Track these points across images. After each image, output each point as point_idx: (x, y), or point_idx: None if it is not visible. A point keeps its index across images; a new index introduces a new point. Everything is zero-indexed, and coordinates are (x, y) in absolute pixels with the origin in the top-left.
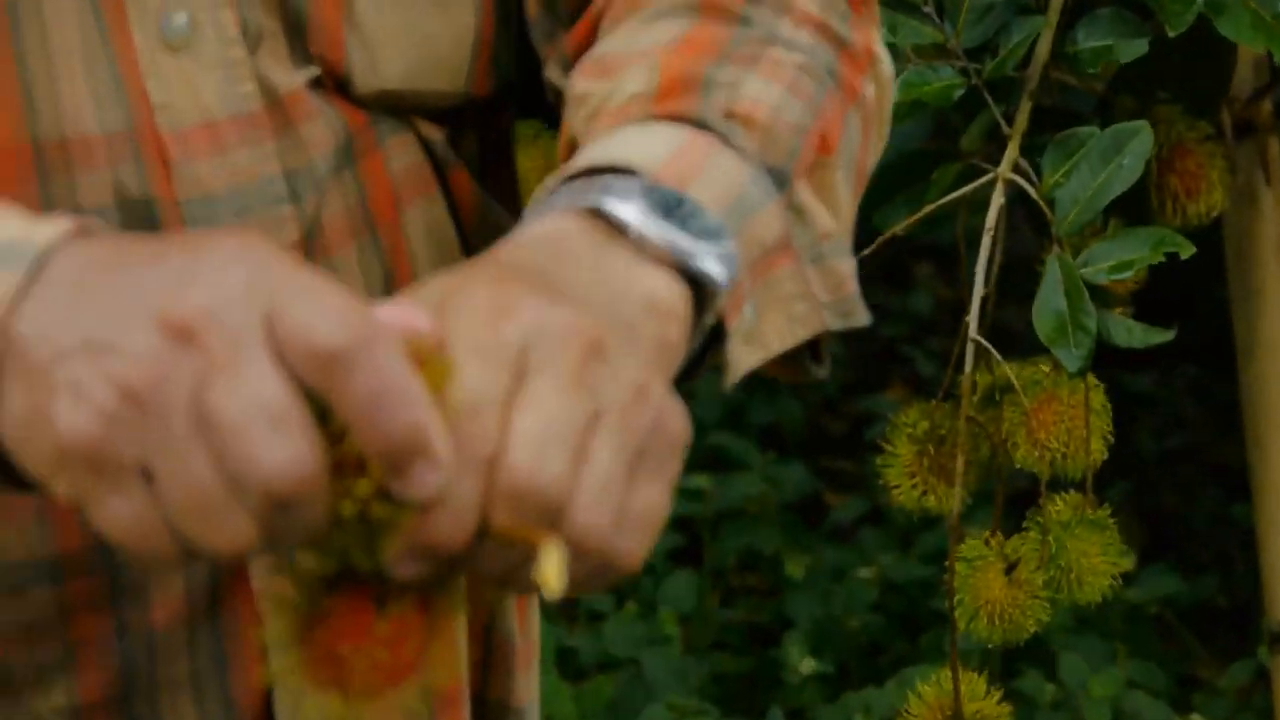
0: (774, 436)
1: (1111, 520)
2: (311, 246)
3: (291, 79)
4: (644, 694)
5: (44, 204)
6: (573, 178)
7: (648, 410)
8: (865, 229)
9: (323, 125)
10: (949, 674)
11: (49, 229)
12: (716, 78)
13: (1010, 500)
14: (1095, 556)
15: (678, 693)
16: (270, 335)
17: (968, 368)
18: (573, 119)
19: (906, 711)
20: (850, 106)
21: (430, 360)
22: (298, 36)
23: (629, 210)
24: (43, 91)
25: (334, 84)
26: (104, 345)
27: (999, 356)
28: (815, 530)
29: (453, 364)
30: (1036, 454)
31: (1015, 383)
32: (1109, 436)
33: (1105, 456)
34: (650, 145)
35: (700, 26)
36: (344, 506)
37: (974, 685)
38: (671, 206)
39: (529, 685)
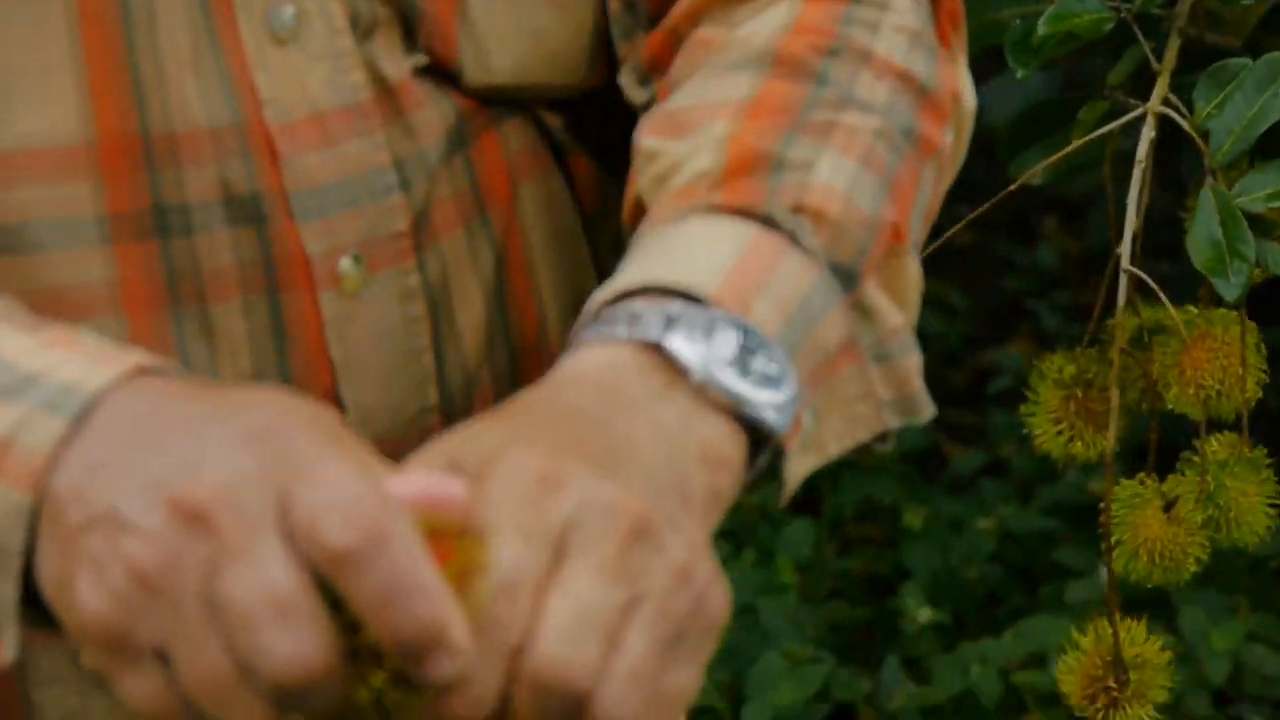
0: None
1: (1269, 460)
2: (420, 233)
3: (400, 68)
4: (761, 641)
5: (152, 197)
6: (632, 293)
7: (688, 594)
8: (995, 179)
9: (433, 112)
10: (1103, 621)
11: (105, 373)
12: (787, 156)
13: (1159, 448)
14: (1253, 496)
15: (794, 641)
16: (283, 520)
17: (1121, 302)
18: (641, 177)
19: (1063, 657)
20: (926, 162)
21: (456, 534)
22: (408, 27)
23: (692, 353)
24: (152, 85)
25: (444, 75)
26: (122, 522)
27: (1155, 288)
28: (934, 482)
29: (484, 538)
30: (1190, 393)
31: (1172, 318)
32: (1263, 375)
33: (1260, 395)
34: (713, 255)
35: (773, 82)
36: (359, 694)
37: (1134, 631)
38: (738, 341)
39: None
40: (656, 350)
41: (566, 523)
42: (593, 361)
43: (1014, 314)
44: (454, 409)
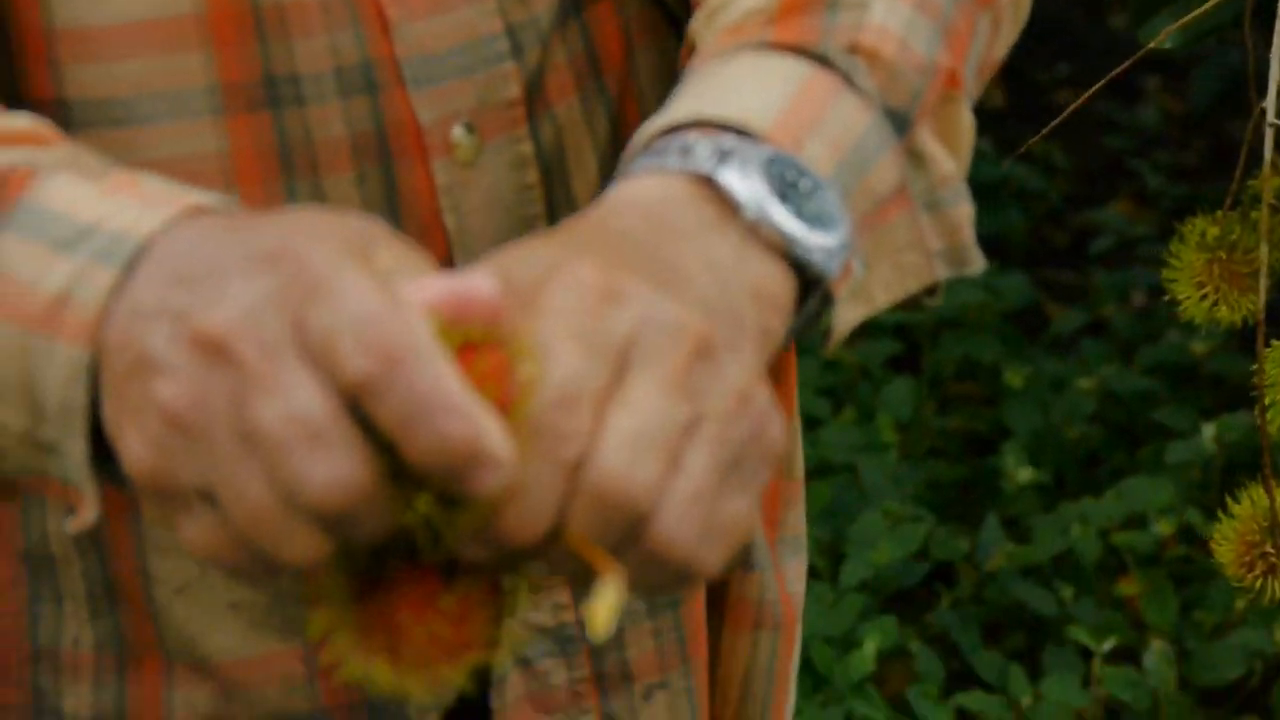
0: (996, 246)
1: None
2: (533, 101)
3: None
4: (860, 500)
5: (263, 68)
6: (683, 127)
7: (748, 419)
8: (1096, 34)
9: None
10: (1257, 487)
11: (158, 216)
12: None
13: None
14: None
15: (893, 499)
16: (302, 345)
17: (1267, 153)
18: (694, 16)
19: (1217, 525)
20: (981, 12)
21: (493, 342)
22: None
23: (746, 189)
24: None
25: None
26: (152, 364)
27: None
28: (1035, 340)
29: (530, 347)
30: None
31: None
32: None
33: None
34: (767, 91)
35: None
36: (407, 517)
37: None
38: (790, 180)
39: (772, 525)
40: (708, 184)
41: (628, 336)
42: (642, 191)
43: (1115, 173)
44: None
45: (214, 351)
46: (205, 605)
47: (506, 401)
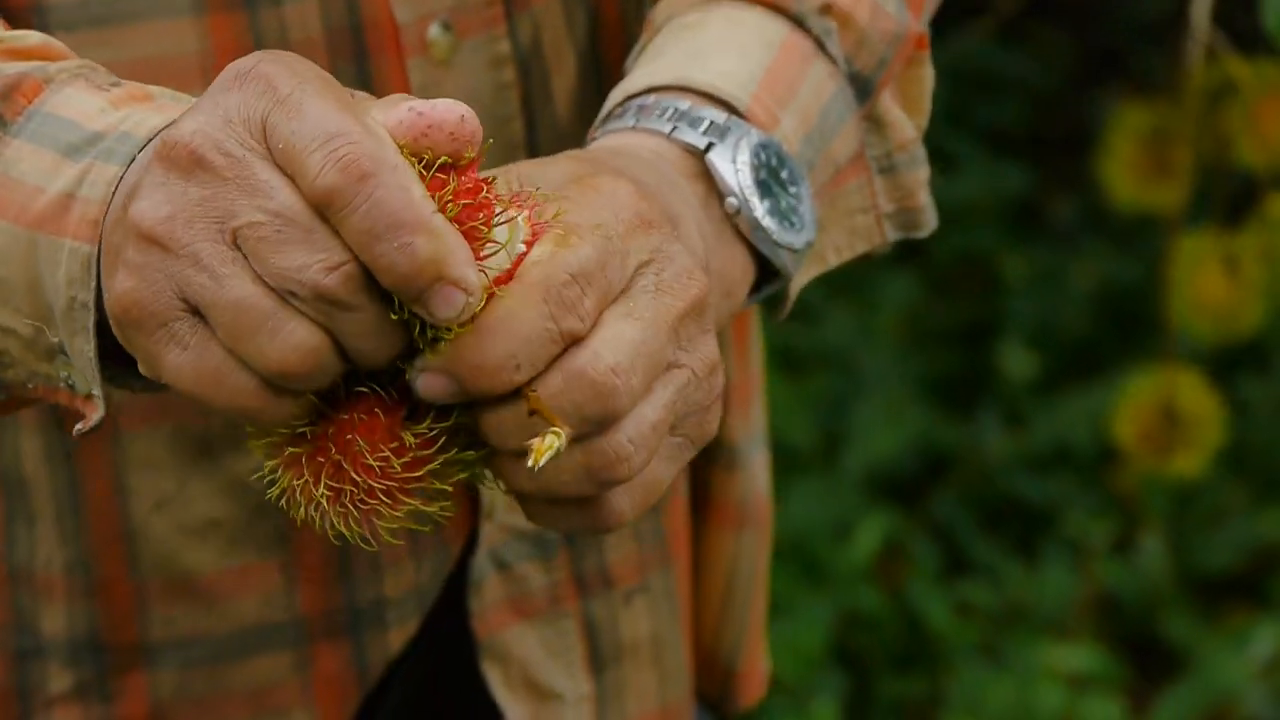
0: (994, 137)
1: None
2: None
3: None
4: (858, 390)
5: None
6: (669, 89)
7: (709, 389)
8: None
9: None
10: (1167, 372)
11: (165, 118)
12: None
13: (1230, 203)
14: None
15: (892, 390)
16: (271, 154)
17: (1194, 60)
18: None
19: (1121, 409)
20: None
21: (459, 167)
22: None
23: (732, 177)
24: None
25: None
26: (129, 191)
27: (1228, 46)
28: (1033, 231)
29: (561, 221)
30: (1259, 148)
31: (1245, 72)
32: None
33: None
34: (746, 56)
35: None
36: (392, 319)
37: (1191, 384)
38: (774, 168)
39: (748, 423)
40: (699, 159)
41: (650, 258)
42: (638, 144)
43: (1112, 60)
44: None
45: (186, 164)
46: (183, 521)
47: (469, 230)
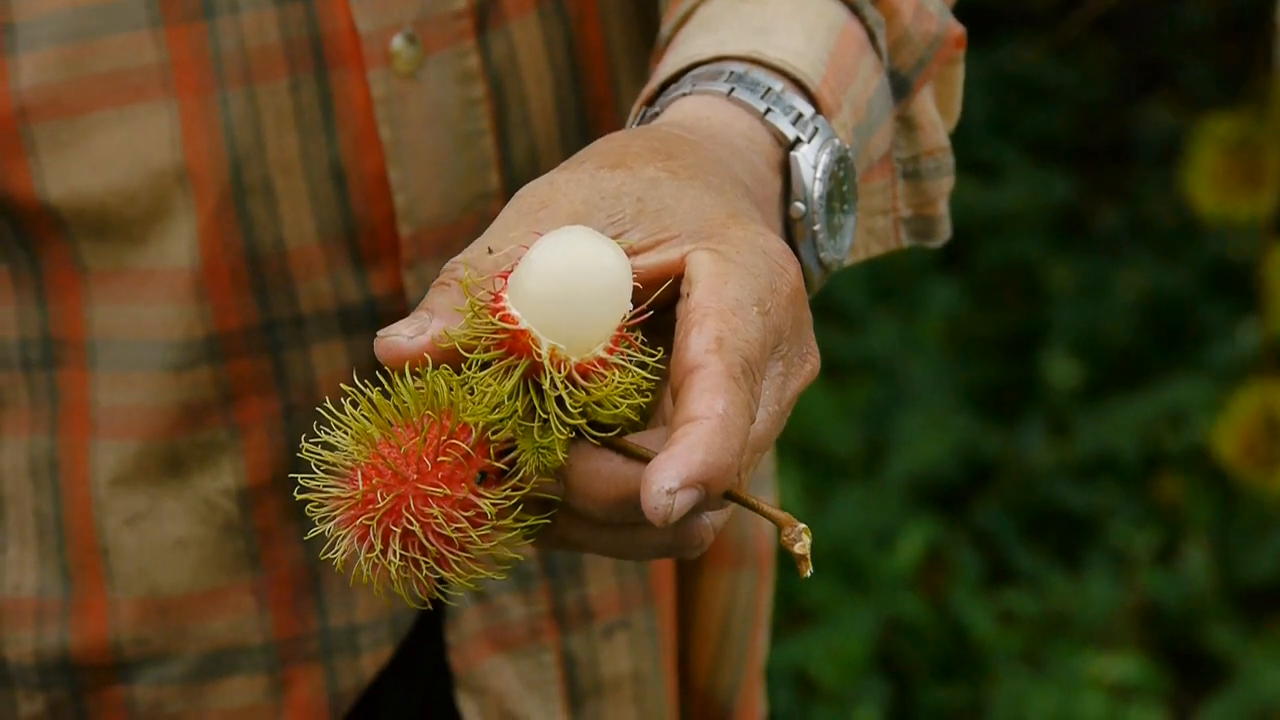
0: (1039, 145)
1: None
2: (486, 14)
3: None
4: (901, 398)
5: None
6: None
7: (776, 431)
8: None
9: None
10: (1270, 386)
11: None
12: None
13: None
14: None
15: (935, 398)
16: None
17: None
18: None
19: (1221, 416)
20: None
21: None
22: None
23: (810, 183)
24: None
25: None
26: None
27: None
28: (1077, 239)
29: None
30: None
31: None
32: None
33: None
34: (812, 37)
35: None
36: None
37: None
38: (841, 179)
39: (769, 454)
40: (783, 150)
41: (778, 329)
42: (731, 125)
43: (1159, 70)
44: None
45: None
46: (154, 539)
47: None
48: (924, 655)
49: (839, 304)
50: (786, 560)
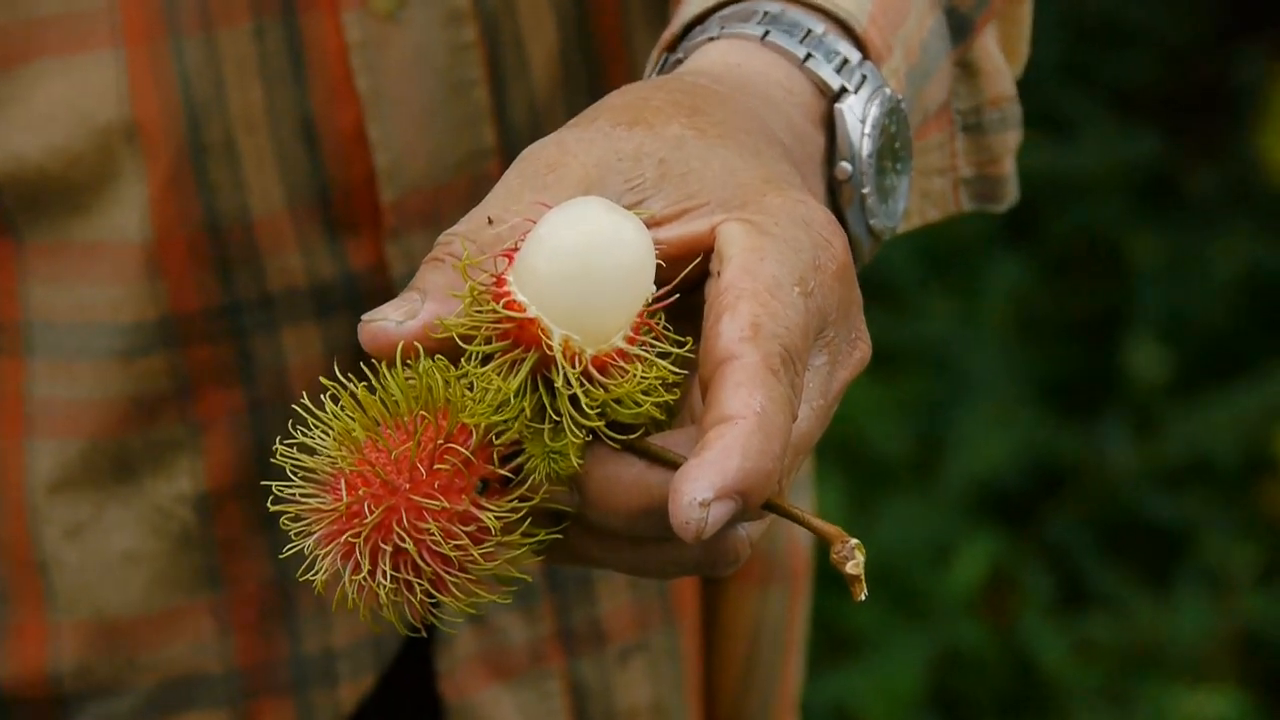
0: (1120, 95)
1: None
2: None
3: None
4: (961, 392)
5: None
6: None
7: (820, 429)
8: None
9: None
10: None
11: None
12: None
13: None
14: None
15: (999, 391)
16: None
17: None
18: None
19: None
20: None
21: None
22: None
23: (858, 140)
24: None
25: None
26: None
27: None
28: (1166, 208)
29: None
30: None
31: None
32: None
33: None
34: None
35: None
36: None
37: None
38: (893, 135)
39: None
40: (826, 102)
41: (822, 311)
42: (767, 74)
43: (1264, 7)
44: (519, 151)
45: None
46: (99, 553)
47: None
48: (986, 690)
49: (887, 281)
50: (826, 577)
